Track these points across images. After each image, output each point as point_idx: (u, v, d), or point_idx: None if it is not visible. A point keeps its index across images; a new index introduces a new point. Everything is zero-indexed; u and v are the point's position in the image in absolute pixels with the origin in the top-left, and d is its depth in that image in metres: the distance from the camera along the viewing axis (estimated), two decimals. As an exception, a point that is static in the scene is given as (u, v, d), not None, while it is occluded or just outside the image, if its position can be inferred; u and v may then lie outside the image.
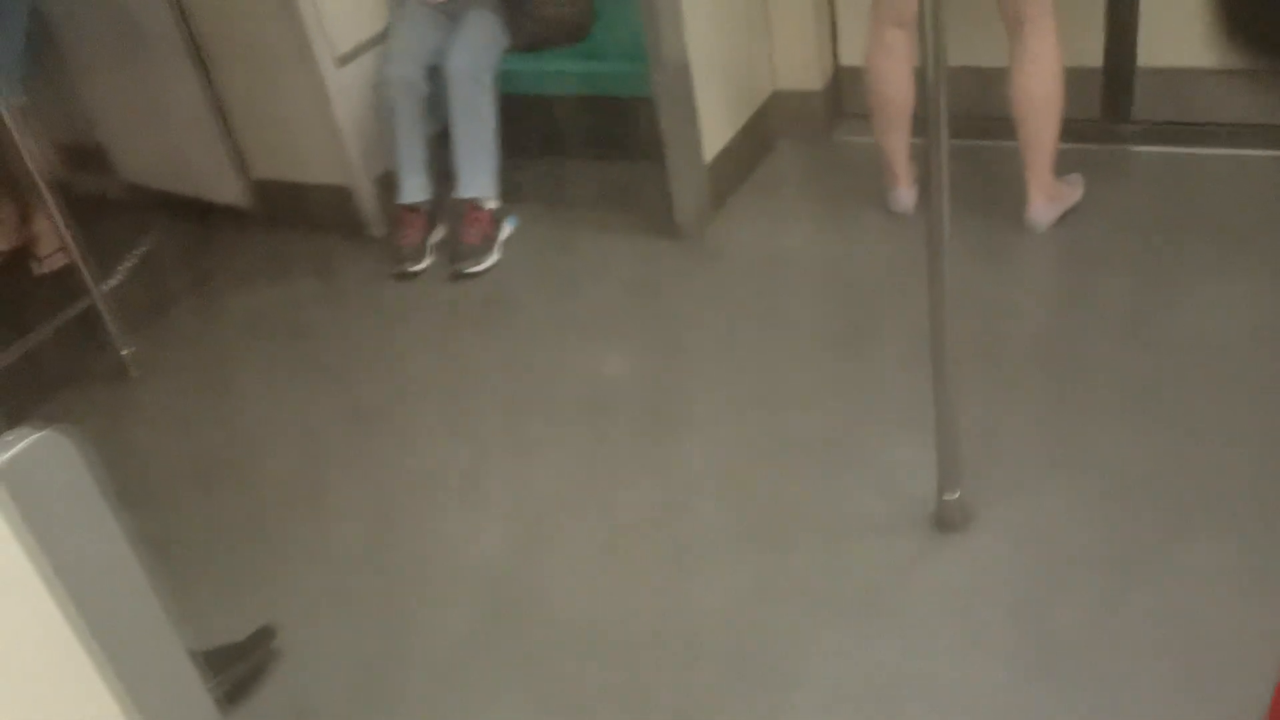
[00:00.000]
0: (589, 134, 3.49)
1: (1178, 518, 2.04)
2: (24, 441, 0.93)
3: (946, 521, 2.09)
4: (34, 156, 2.84)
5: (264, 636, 2.11)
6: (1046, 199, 2.82)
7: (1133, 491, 2.11)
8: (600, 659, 2.01)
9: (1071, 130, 2.84)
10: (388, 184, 3.37)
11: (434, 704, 2.01)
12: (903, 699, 1.84)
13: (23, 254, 3.68)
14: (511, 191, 3.33)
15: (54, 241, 3.44)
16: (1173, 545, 1.99)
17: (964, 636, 1.91)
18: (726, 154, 3.20)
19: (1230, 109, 3.01)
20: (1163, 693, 1.77)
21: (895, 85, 2.86)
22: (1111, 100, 3.14)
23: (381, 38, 3.36)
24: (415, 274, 3.23)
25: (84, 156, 3.99)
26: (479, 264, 3.18)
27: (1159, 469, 2.14)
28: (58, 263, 3.50)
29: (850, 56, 3.35)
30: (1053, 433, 2.28)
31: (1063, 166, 2.85)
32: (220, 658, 2.00)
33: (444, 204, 3.30)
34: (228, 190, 3.66)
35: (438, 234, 3.33)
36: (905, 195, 3.01)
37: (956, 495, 2.06)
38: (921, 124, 1.78)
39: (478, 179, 3.23)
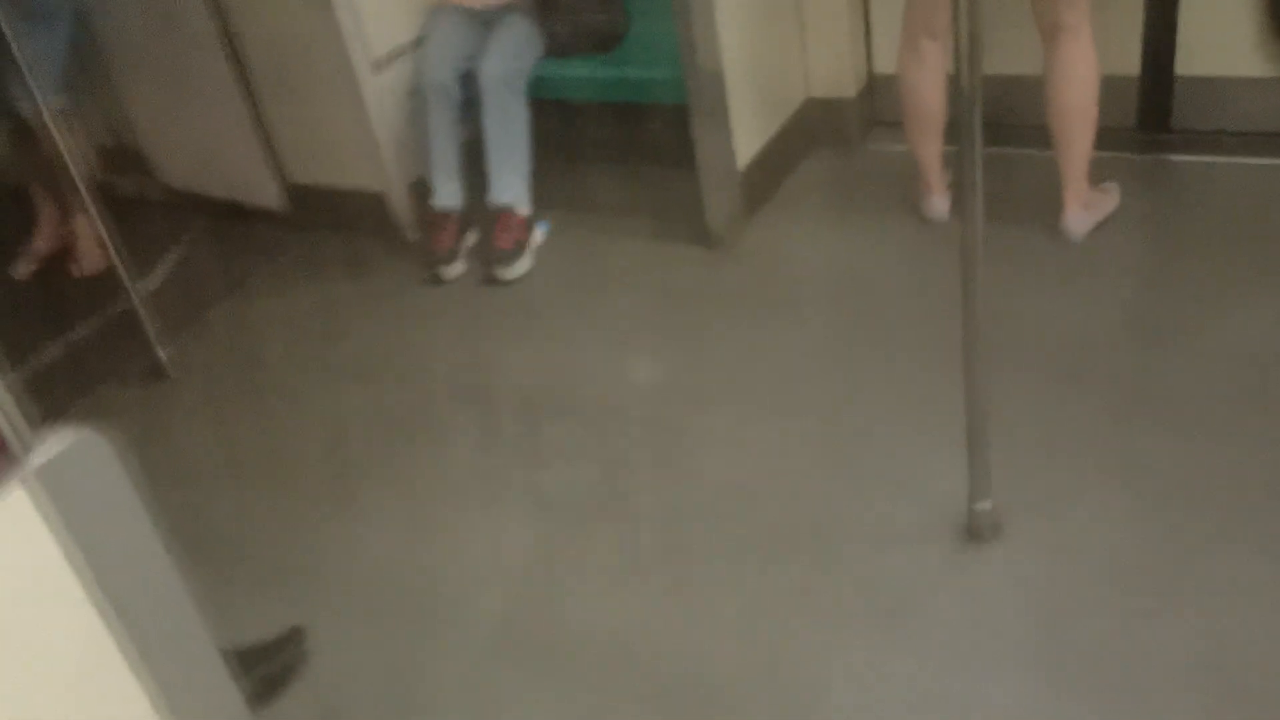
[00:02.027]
0: (622, 141, 3.49)
1: (1214, 531, 2.01)
2: (61, 441, 0.94)
3: (977, 532, 2.07)
4: (74, 159, 2.88)
5: (294, 637, 2.13)
6: (1082, 207, 2.80)
7: (1168, 504, 2.08)
8: (621, 667, 2.01)
9: (1108, 139, 2.82)
10: (421, 189, 3.39)
11: (458, 707, 2.02)
12: (930, 714, 1.83)
13: (62, 255, 3.73)
14: (544, 197, 3.34)
15: (92, 243, 3.48)
16: (1209, 559, 1.96)
17: (994, 650, 1.89)
18: (759, 161, 3.20)
19: (1270, 118, 2.98)
20: (1198, 711, 1.74)
21: (928, 94, 2.85)
22: (1149, 109, 3.11)
23: (417, 43, 3.38)
24: (448, 279, 3.25)
25: (123, 159, 4.05)
26: (511, 269, 3.19)
27: (1195, 481, 2.11)
28: (96, 264, 3.55)
29: (884, 64, 3.34)
30: (1087, 443, 2.25)
31: (1099, 175, 2.83)
32: (250, 657, 2.02)
33: (477, 209, 3.32)
34: (264, 194, 3.70)
35: (470, 239, 3.35)
36: (939, 203, 3.00)
37: (988, 505, 2.05)
38: (955, 132, 1.77)
39: (511, 185, 3.25)
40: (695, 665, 1.99)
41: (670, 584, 2.16)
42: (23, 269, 3.73)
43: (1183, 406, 2.29)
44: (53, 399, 2.94)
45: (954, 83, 1.72)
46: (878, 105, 3.45)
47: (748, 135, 3.13)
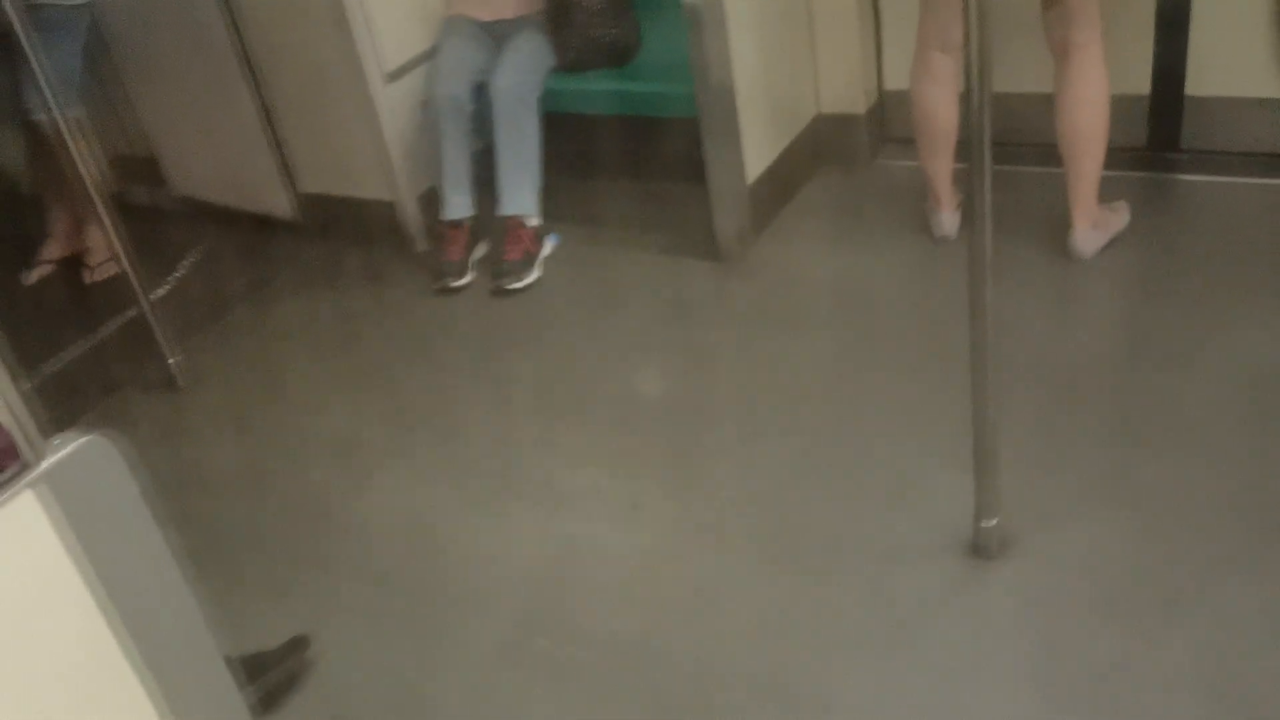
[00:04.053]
0: (632, 154, 3.51)
1: (1222, 552, 2.00)
2: (70, 445, 0.95)
3: (983, 549, 2.07)
4: (88, 167, 2.90)
5: (298, 645, 2.13)
6: (1091, 226, 2.79)
7: (1176, 524, 2.07)
8: (629, 679, 2.01)
9: (1118, 158, 2.82)
10: (432, 200, 3.41)
11: (466, 713, 2.02)
12: (935, 728, 1.83)
13: (74, 262, 3.76)
14: (553, 210, 3.35)
15: (105, 251, 3.50)
16: (1217, 581, 1.95)
17: (998, 668, 1.89)
18: (768, 176, 3.21)
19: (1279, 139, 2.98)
20: (1202, 730, 1.74)
21: (940, 110, 2.85)
22: (1159, 128, 3.11)
23: (429, 55, 3.40)
24: (457, 289, 3.26)
25: (136, 167, 4.07)
26: (520, 280, 3.20)
27: (1202, 501, 2.11)
28: (108, 272, 3.57)
29: (894, 81, 3.35)
30: (1094, 462, 2.25)
31: (1109, 194, 2.83)
32: (254, 664, 2.02)
33: (487, 221, 3.33)
34: (276, 203, 3.71)
35: (480, 250, 3.36)
36: (948, 220, 3.00)
37: (994, 523, 2.04)
38: (965, 149, 1.77)
39: (520, 196, 3.26)
40: (702, 676, 1.98)
41: (678, 595, 2.16)
42: (35, 275, 3.75)
43: (1190, 426, 2.28)
44: (63, 405, 2.97)
45: (965, 99, 1.73)
46: (888, 122, 3.46)
47: (758, 150, 3.14)
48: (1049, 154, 2.78)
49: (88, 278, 3.70)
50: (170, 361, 3.07)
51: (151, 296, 3.06)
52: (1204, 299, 2.63)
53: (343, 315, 3.32)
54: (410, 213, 3.49)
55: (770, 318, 2.90)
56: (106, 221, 2.93)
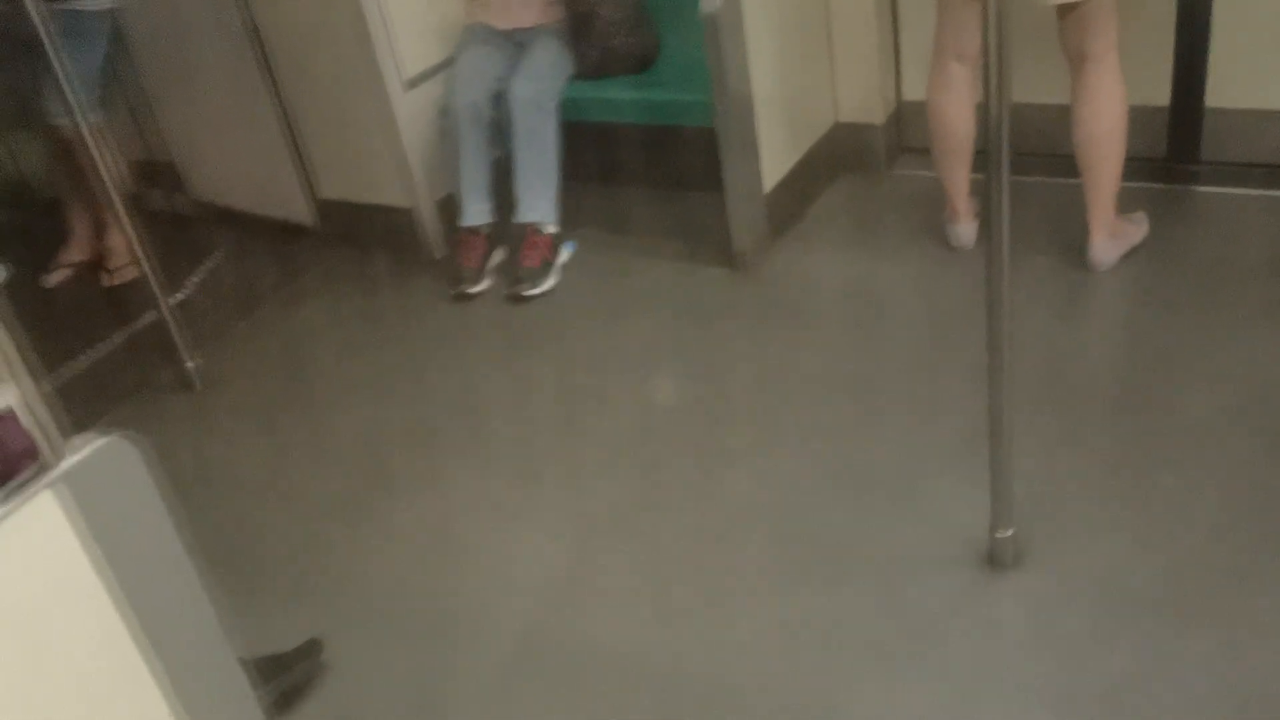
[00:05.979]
0: (649, 162, 3.51)
1: (1238, 563, 1.99)
2: (90, 447, 0.96)
3: (999, 560, 2.06)
4: (109, 171, 2.92)
5: (312, 648, 2.14)
6: (1109, 237, 2.78)
7: (1191, 535, 2.06)
8: (642, 688, 2.01)
9: (1137, 169, 2.81)
10: (450, 206, 3.42)
11: (477, 722, 2.02)
12: (949, 739, 1.82)
13: (94, 266, 3.78)
14: (571, 217, 3.36)
15: (125, 255, 3.52)
16: (1233, 592, 1.94)
17: (1013, 679, 1.88)
18: (786, 185, 3.21)
19: (1301, 151, 2.96)
20: (1218, 744, 1.73)
21: (957, 120, 2.85)
22: (1178, 140, 3.10)
23: (449, 63, 3.42)
24: (474, 295, 3.27)
25: (157, 172, 4.10)
26: (537, 287, 3.21)
27: (1219, 513, 2.09)
28: (128, 275, 3.59)
29: (912, 90, 3.35)
30: (1110, 473, 2.24)
31: (1127, 205, 2.82)
32: (268, 667, 2.03)
33: (504, 227, 3.34)
34: (295, 209, 3.73)
35: (497, 257, 3.37)
36: (965, 230, 2.99)
37: (1010, 533, 2.03)
38: (983, 159, 1.77)
39: (538, 204, 3.27)
40: (711, 686, 1.98)
41: (690, 604, 2.16)
42: (55, 278, 3.78)
43: (1206, 438, 2.27)
44: (83, 407, 2.98)
45: (983, 109, 1.73)
46: (905, 132, 3.45)
47: (775, 159, 3.14)
48: (1067, 165, 2.77)
49: (107, 281, 3.72)
50: (189, 364, 3.08)
51: (171, 300, 3.08)
52: (1222, 311, 2.61)
53: (360, 320, 3.34)
54: (428, 219, 3.50)
55: (786, 325, 2.90)
56: (126, 225, 2.95)
